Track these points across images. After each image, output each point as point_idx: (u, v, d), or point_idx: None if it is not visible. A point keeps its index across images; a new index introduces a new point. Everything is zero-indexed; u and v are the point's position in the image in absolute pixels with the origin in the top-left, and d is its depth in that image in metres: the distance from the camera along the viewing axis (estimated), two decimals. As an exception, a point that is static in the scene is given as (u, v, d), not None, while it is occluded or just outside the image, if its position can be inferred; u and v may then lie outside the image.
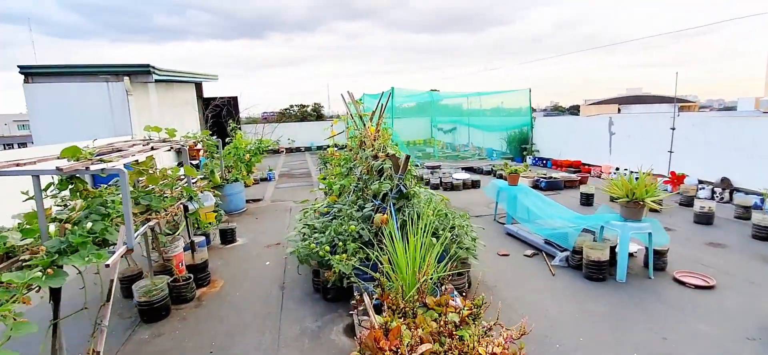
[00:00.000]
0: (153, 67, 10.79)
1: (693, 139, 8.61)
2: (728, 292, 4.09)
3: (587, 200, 7.80)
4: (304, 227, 4.79)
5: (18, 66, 10.12)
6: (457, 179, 9.40)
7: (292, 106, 30.07)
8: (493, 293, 4.20)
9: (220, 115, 16.82)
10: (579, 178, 9.58)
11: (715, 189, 7.79)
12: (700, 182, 8.26)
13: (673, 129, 8.92)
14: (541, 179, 9.33)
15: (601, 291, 4.15)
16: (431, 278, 3.21)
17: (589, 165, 11.49)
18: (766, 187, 6.71)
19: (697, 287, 4.17)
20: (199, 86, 19.83)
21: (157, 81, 12.69)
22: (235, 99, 20.66)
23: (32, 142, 11.18)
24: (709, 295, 4.04)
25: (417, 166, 11.64)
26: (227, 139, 8.63)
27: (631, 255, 4.99)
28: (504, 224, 6.42)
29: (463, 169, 11.71)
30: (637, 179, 4.34)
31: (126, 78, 10.23)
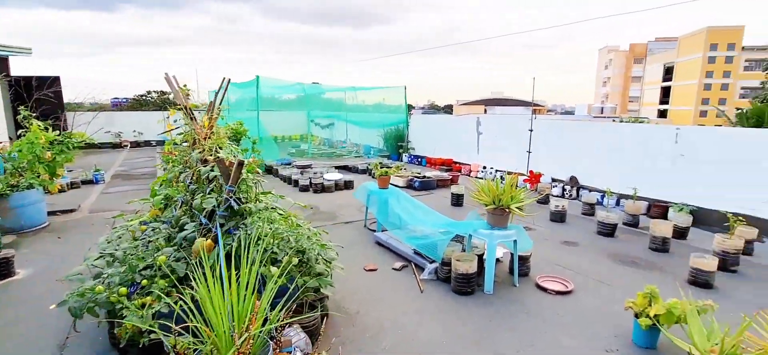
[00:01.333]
0: None
1: (547, 140, 9.29)
2: (584, 295, 4.07)
3: (458, 201, 7.75)
4: (99, 256, 3.46)
5: None
6: (328, 180, 8.64)
7: (150, 92, 25.99)
8: (355, 323, 3.51)
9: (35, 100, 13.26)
10: (451, 177, 9.66)
11: (566, 187, 8.45)
12: (554, 180, 8.93)
13: (531, 130, 9.52)
14: (415, 179, 9.13)
15: (470, 307, 3.77)
16: (261, 332, 2.33)
17: (460, 163, 11.83)
18: (606, 185, 7.39)
19: (557, 293, 4.08)
20: (2, 62, 15.48)
21: None
22: (55, 79, 16.71)
23: None
24: (569, 301, 3.96)
25: (287, 165, 10.58)
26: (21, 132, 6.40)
27: (497, 261, 4.81)
28: (375, 231, 5.84)
29: (336, 168, 11.02)
30: (502, 181, 4.09)
31: None
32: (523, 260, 4.45)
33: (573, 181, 8.48)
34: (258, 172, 3.91)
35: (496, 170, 10.49)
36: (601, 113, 61.34)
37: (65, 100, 20.46)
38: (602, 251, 5.37)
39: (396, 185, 9.34)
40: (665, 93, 61.74)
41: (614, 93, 79.67)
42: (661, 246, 5.35)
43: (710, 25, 53.13)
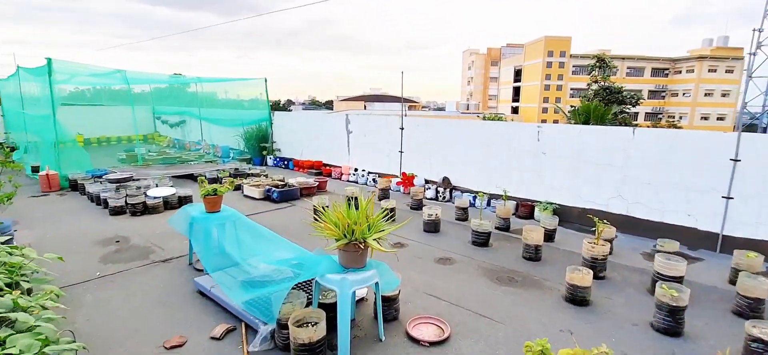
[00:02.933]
0: None
1: (419, 139, 8.69)
2: (463, 341, 3.22)
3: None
4: None
5: None
6: (154, 197, 6.60)
7: None
8: None
9: None
10: (318, 183, 8.41)
11: (439, 189, 7.91)
12: (427, 181, 8.35)
13: (402, 129, 8.83)
14: (272, 189, 7.63)
15: (314, 397, 2.56)
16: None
17: (330, 166, 10.68)
18: (478, 185, 6.99)
19: (432, 343, 3.15)
20: None
21: None
22: None
23: None
24: (446, 352, 3.06)
25: (98, 178, 8.05)
26: None
27: (361, 300, 3.73)
28: (203, 271, 4.26)
29: (175, 178, 8.87)
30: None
31: None
32: (390, 301, 3.43)
33: (446, 182, 7.99)
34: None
35: (369, 172, 9.61)
36: (467, 110, 67.11)
37: None
38: (479, 268, 4.72)
39: (250, 197, 7.73)
40: (516, 92, 70.23)
41: (477, 91, 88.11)
42: (534, 255, 4.93)
43: (547, 34, 61.93)
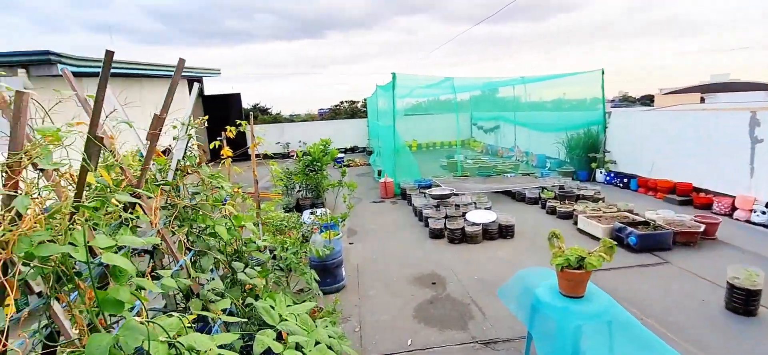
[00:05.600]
0: (56, 55, 8.09)
1: None
2: None
3: (746, 306, 3.61)
4: None
5: None
6: (473, 224, 5.57)
7: (342, 102, 27.65)
8: None
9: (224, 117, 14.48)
10: (703, 225, 5.30)
11: None
12: None
13: None
14: (627, 228, 5.21)
15: None
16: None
17: (708, 192, 7.07)
18: None
19: None
20: (195, 83, 17.45)
21: (114, 74, 10.11)
22: (237, 95, 18.16)
23: None
24: None
25: (426, 188, 7.89)
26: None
27: None
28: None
29: (488, 194, 7.76)
30: None
31: (22, 70, 7.61)
32: None
33: None
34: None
35: (801, 212, 5.53)
36: None
37: (282, 113, 24.48)
38: None
39: (591, 235, 5.49)
40: None
41: None
42: None
43: None
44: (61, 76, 8.71)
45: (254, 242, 2.67)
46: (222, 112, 16.72)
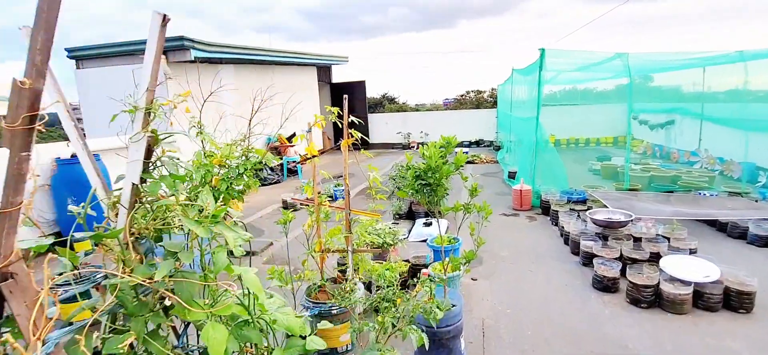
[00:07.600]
0: (190, 40, 8.14)
1: None
2: None
3: None
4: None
5: (65, 49, 8.89)
6: (680, 282, 3.56)
7: (468, 92, 26.05)
8: None
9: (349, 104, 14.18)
10: None
11: None
12: None
13: None
14: None
15: None
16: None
17: None
18: None
19: None
20: (325, 71, 17.50)
21: (234, 61, 10.30)
22: (361, 83, 17.75)
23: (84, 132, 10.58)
24: None
25: (579, 204, 5.88)
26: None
27: None
28: None
29: (682, 223, 5.36)
30: None
31: (163, 56, 7.85)
32: None
33: None
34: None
35: None
36: None
37: (408, 102, 24.76)
38: None
39: None
40: None
41: None
42: None
43: None
44: (194, 61, 8.96)
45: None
46: (347, 100, 16.60)
